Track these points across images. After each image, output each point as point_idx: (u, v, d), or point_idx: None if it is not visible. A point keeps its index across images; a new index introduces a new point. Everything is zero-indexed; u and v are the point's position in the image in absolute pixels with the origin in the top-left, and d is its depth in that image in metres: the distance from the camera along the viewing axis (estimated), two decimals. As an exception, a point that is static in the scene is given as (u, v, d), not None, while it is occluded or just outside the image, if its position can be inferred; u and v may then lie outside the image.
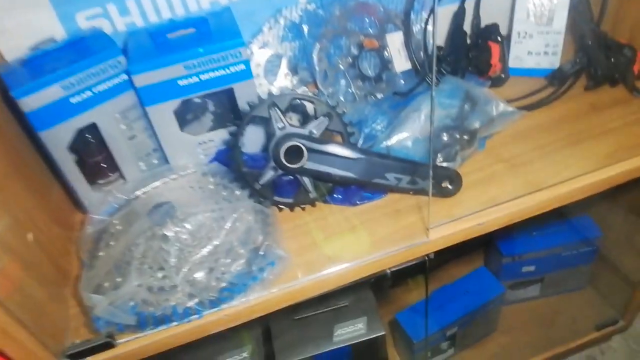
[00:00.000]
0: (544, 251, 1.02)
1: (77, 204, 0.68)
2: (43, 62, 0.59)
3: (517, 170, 0.64)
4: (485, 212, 0.59)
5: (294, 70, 0.74)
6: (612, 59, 0.72)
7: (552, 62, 0.77)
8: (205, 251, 0.56)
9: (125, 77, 0.61)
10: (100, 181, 0.69)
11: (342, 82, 0.74)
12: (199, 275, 0.55)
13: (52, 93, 0.57)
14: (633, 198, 0.92)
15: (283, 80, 0.74)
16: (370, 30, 0.75)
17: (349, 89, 0.75)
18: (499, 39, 0.76)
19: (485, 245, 1.14)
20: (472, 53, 0.76)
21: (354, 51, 0.74)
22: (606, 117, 0.69)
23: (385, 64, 0.76)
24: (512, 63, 0.79)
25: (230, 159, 0.62)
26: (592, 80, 0.73)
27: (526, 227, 1.02)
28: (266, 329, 0.86)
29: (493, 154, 0.67)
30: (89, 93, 0.59)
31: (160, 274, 0.55)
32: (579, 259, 1.04)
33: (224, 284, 0.55)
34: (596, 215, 1.01)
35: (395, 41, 0.76)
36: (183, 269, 0.55)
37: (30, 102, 0.56)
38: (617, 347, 1.14)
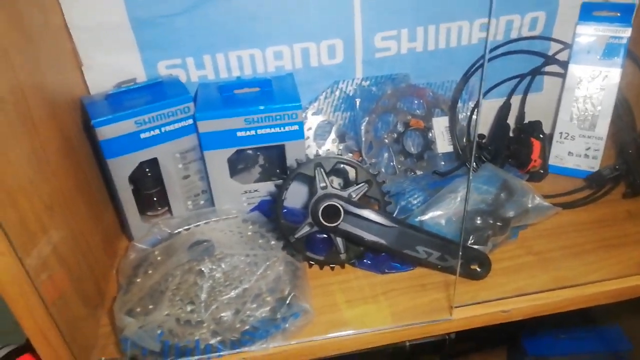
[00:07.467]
0: (571, 356, 0.98)
1: (124, 230, 0.73)
2: (123, 99, 0.66)
3: (547, 265, 0.64)
4: (511, 300, 0.59)
5: (341, 137, 0.79)
6: (652, 171, 0.73)
7: (592, 165, 0.78)
8: (234, 293, 0.58)
9: (191, 121, 0.67)
10: (149, 213, 0.73)
11: (385, 155, 0.79)
12: (226, 314, 0.57)
13: (125, 126, 0.63)
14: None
15: (330, 145, 0.79)
16: (418, 112, 0.80)
17: (391, 163, 0.79)
18: (541, 136, 0.79)
19: (509, 341, 1.10)
20: (513, 146, 0.79)
21: (400, 128, 0.79)
22: (642, 226, 0.70)
23: (428, 144, 0.80)
24: (552, 161, 0.81)
25: (271, 210, 0.66)
26: (630, 188, 0.74)
27: (554, 328, 1.00)
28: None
29: (524, 245, 0.68)
30: (157, 131, 0.65)
31: (189, 308, 0.57)
32: (606, 370, 1.00)
33: (247, 327, 0.56)
34: (627, 327, 0.98)
35: (440, 125, 0.80)
36: (212, 306, 0.57)
37: (105, 132, 0.62)
38: None
